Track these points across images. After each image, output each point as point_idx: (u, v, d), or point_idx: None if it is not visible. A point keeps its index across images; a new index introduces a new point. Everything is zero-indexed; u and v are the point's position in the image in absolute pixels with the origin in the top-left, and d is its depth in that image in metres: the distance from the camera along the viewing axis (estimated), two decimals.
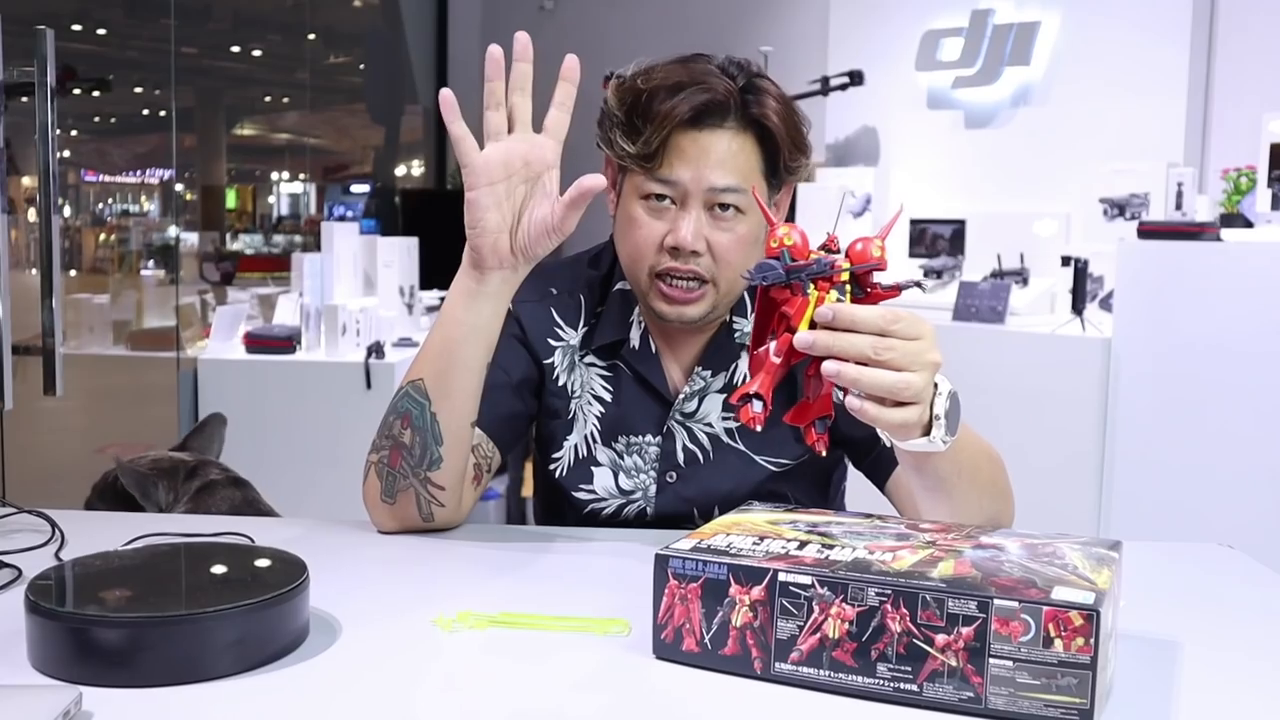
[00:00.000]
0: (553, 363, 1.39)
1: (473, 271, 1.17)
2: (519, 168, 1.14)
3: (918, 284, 1.02)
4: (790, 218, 4.00)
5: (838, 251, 0.97)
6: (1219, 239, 3.03)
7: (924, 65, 4.59)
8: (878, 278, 0.97)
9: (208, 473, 1.54)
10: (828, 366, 0.93)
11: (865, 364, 0.94)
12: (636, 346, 1.38)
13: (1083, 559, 0.87)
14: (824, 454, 0.99)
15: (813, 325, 0.94)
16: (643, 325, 1.39)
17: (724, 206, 1.27)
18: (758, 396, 0.95)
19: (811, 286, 0.95)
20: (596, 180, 1.12)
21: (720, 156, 1.26)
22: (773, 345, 0.96)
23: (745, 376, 1.34)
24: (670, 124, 1.25)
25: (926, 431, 1.00)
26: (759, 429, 0.96)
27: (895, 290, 0.97)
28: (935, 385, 1.01)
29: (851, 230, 4.43)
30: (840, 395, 0.99)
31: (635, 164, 1.28)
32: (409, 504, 1.22)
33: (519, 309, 1.39)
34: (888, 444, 1.21)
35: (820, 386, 0.97)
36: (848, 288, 0.96)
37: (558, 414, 1.39)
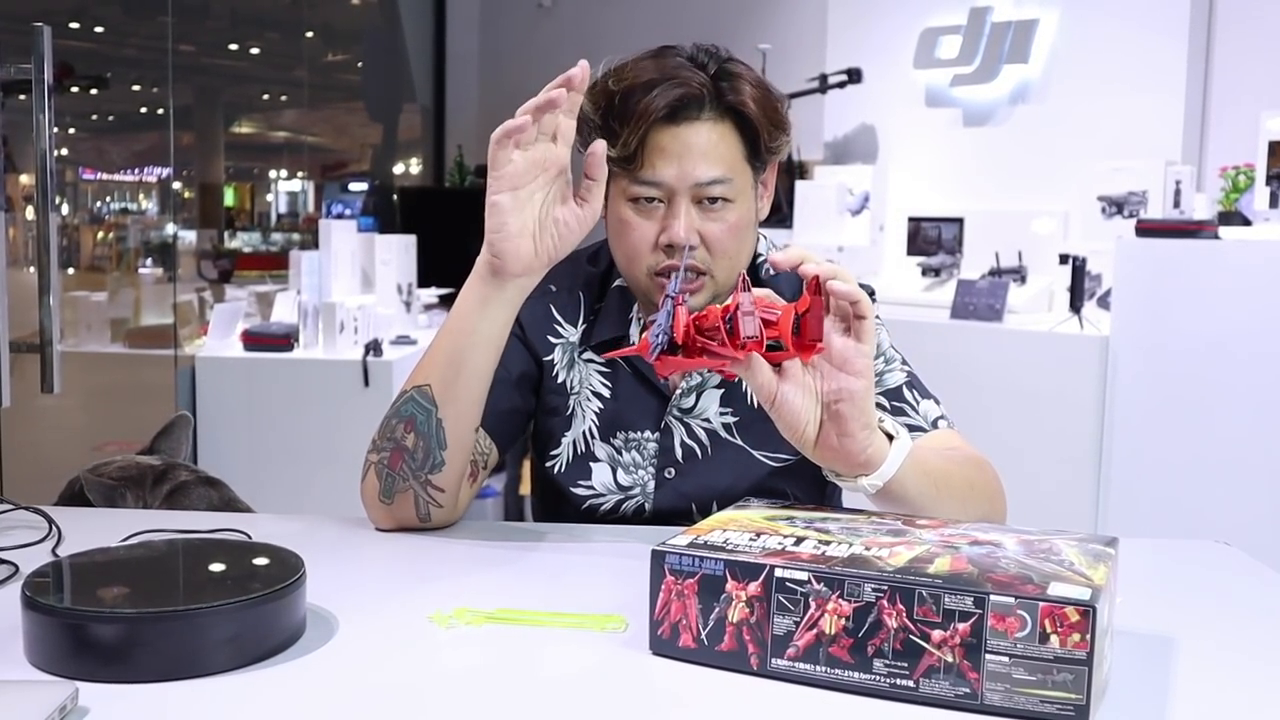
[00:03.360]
0: (552, 360, 1.39)
1: (491, 279, 1.16)
2: (539, 172, 1.14)
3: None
4: (789, 214, 3.95)
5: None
6: (1217, 237, 3.03)
7: (922, 63, 4.59)
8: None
9: (177, 475, 1.53)
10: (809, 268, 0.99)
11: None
12: (635, 343, 1.38)
13: (1079, 555, 0.87)
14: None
15: (732, 327, 0.98)
16: (641, 322, 1.39)
17: (712, 199, 1.27)
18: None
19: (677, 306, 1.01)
20: (599, 144, 1.13)
21: (702, 149, 1.26)
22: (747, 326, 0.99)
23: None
24: (646, 122, 1.25)
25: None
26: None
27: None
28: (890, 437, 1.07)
29: (850, 226, 4.44)
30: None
31: (616, 166, 1.28)
32: (407, 505, 1.23)
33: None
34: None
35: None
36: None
37: (556, 411, 1.39)
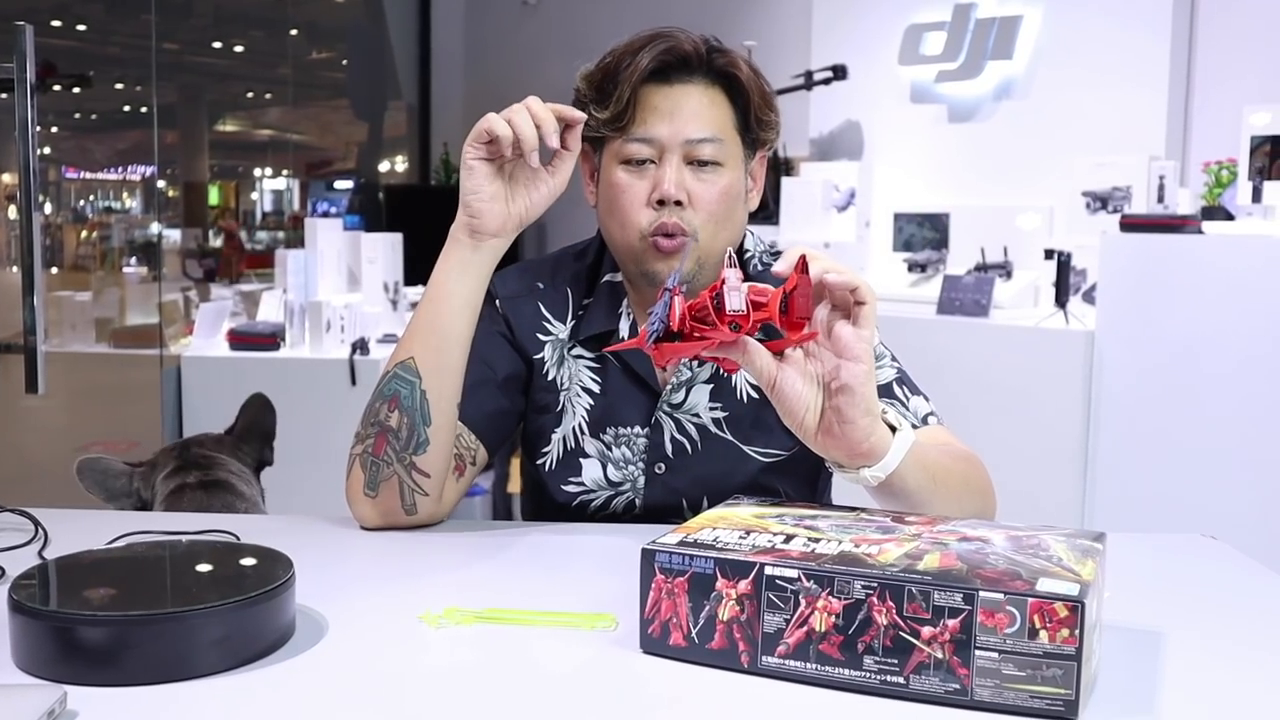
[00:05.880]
0: (543, 357, 1.39)
1: (467, 240, 1.23)
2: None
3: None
4: (775, 210, 3.95)
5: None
6: (1200, 232, 3.04)
7: (907, 59, 4.60)
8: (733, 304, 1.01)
9: (186, 476, 1.53)
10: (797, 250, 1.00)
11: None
12: (625, 338, 1.37)
13: (1067, 551, 0.87)
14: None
15: (719, 304, 0.99)
16: (631, 317, 1.39)
17: (703, 162, 1.29)
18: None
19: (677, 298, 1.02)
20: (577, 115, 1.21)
21: (694, 109, 1.30)
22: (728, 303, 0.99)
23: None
24: (636, 76, 1.28)
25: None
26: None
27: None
28: (893, 429, 1.07)
29: (836, 223, 4.44)
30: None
31: (609, 129, 1.30)
32: (392, 495, 1.22)
33: (505, 306, 1.39)
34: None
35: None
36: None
37: (547, 408, 1.39)
